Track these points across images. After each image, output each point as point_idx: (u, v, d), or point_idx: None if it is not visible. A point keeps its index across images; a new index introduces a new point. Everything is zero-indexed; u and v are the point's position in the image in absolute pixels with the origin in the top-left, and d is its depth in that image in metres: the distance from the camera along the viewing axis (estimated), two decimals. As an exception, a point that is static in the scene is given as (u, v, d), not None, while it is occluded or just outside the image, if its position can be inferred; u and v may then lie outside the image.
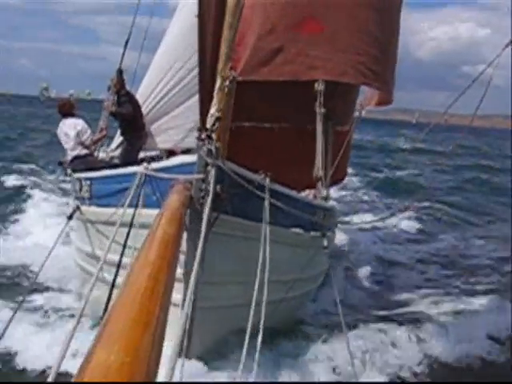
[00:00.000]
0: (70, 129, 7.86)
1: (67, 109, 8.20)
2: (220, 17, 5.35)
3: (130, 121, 8.50)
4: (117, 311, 1.74)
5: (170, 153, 8.73)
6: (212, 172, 4.40)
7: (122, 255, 5.32)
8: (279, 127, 7.82)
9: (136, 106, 8.58)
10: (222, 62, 5.31)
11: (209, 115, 4.78)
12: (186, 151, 9.11)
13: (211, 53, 5.38)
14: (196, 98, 7.58)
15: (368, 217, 14.63)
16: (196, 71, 7.67)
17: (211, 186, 4.38)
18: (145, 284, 1.91)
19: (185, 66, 8.01)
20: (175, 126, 8.74)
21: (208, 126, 4.67)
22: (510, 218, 16.89)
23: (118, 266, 5.32)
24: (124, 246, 5.00)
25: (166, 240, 2.46)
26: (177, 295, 4.23)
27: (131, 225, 4.96)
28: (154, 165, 5.24)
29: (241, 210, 4.89)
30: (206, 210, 4.23)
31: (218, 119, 4.65)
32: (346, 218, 14.29)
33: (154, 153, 9.26)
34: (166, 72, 8.37)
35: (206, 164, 4.43)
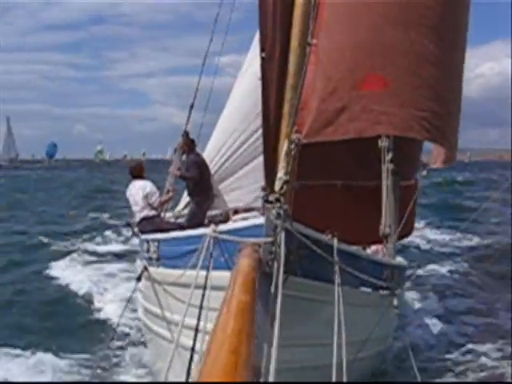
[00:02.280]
0: (139, 191, 7.89)
1: (137, 171, 8.26)
2: (282, 78, 5.30)
3: (197, 183, 8.47)
4: None
5: (234, 212, 8.65)
6: (281, 235, 4.24)
7: (184, 315, 5.22)
8: (342, 184, 7.65)
9: (203, 168, 8.56)
10: (286, 123, 5.24)
11: (277, 178, 4.69)
12: (249, 210, 9.05)
13: (274, 114, 5.31)
14: (260, 158, 7.56)
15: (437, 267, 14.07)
16: (260, 132, 7.69)
17: (281, 248, 4.21)
18: (226, 360, 1.88)
19: (249, 128, 8.01)
20: (240, 187, 8.70)
21: (276, 188, 4.55)
22: None
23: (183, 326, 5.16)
24: (200, 308, 4.82)
25: (242, 309, 2.38)
26: None
27: (205, 287, 4.79)
28: (222, 227, 5.11)
29: (309, 271, 4.69)
30: (276, 272, 4.09)
31: (285, 182, 4.54)
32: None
33: (218, 211, 9.20)
34: (231, 133, 8.39)
35: (275, 226, 4.28)
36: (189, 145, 8.78)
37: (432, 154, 9.18)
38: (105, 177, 69.03)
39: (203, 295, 4.65)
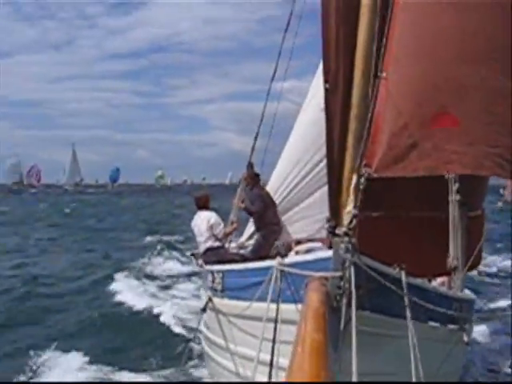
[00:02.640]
0: (204, 222, 7.96)
1: (203, 202, 8.35)
2: (346, 109, 5.28)
3: (261, 216, 8.45)
4: None
5: (297, 242, 8.58)
6: (351, 270, 4.18)
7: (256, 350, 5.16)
8: (407, 215, 7.48)
9: (267, 201, 8.54)
10: (350, 154, 5.20)
11: (345, 212, 4.66)
12: (311, 240, 8.96)
13: (338, 145, 5.28)
14: (324, 189, 7.51)
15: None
16: (323, 163, 7.65)
17: (351, 283, 4.14)
18: None
19: (313, 159, 7.99)
20: (304, 217, 8.64)
21: (345, 222, 4.50)
22: None
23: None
24: (273, 342, 4.76)
25: (317, 349, 2.35)
26: None
27: (276, 321, 4.74)
28: (288, 259, 5.08)
29: (377, 305, 4.57)
30: (345, 307, 4.04)
31: (355, 216, 4.48)
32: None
33: (280, 242, 9.15)
34: (294, 164, 8.39)
35: (344, 261, 4.22)
36: (253, 178, 8.82)
37: (507, 187, 8.91)
38: (168, 201, 72.26)
39: (275, 329, 4.59)
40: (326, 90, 5.30)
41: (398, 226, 7.16)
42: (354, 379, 3.29)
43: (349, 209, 4.61)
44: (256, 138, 9.66)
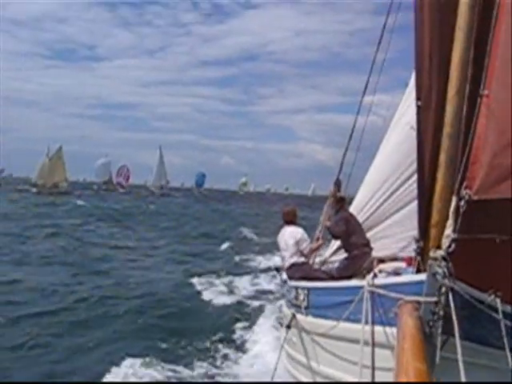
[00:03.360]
0: (291, 237, 7.88)
1: (290, 217, 8.27)
2: (439, 128, 5.06)
3: (345, 238, 8.21)
4: None
5: (379, 261, 8.31)
6: (450, 295, 4.01)
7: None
8: (503, 239, 7.09)
9: (353, 223, 8.26)
10: (442, 172, 4.98)
11: (444, 236, 4.46)
12: (394, 259, 8.66)
13: (430, 164, 5.05)
14: (410, 207, 7.27)
15: None
16: (409, 182, 7.42)
17: (450, 309, 3.96)
18: None
19: (400, 178, 7.76)
20: (387, 236, 8.40)
21: (443, 247, 4.34)
22: None
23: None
24: (373, 366, 4.61)
25: (421, 379, 2.22)
26: None
27: (373, 344, 4.59)
28: (379, 280, 4.92)
29: (470, 333, 4.33)
30: (437, 333, 3.89)
31: (453, 241, 4.31)
32: None
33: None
34: (381, 184, 8.19)
35: (440, 286, 4.04)
36: (339, 201, 8.55)
37: None
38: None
39: (372, 352, 4.46)
40: (419, 108, 5.11)
41: (493, 250, 6.79)
42: None
43: (448, 232, 4.43)
44: (345, 154, 9.50)
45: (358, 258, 8.06)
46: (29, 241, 26.67)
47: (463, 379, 3.61)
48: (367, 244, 8.04)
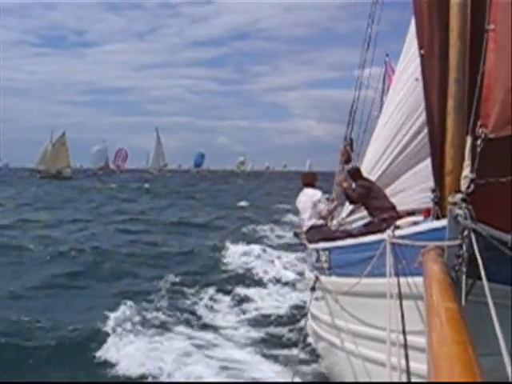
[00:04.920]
0: (309, 199, 7.76)
1: (309, 180, 8.12)
2: (444, 74, 4.86)
3: (365, 204, 7.95)
4: None
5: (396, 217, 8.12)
6: (472, 236, 3.86)
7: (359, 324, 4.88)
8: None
9: (376, 189, 7.95)
10: (452, 119, 4.80)
11: (462, 177, 4.30)
12: (411, 214, 8.49)
13: (438, 111, 4.86)
14: (423, 160, 7.10)
15: None
16: (421, 135, 7.22)
17: (475, 250, 3.81)
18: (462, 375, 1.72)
19: (410, 131, 7.57)
20: (405, 189, 8.22)
21: (462, 188, 4.18)
22: None
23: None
24: (403, 318, 4.49)
25: (455, 318, 2.16)
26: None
27: (400, 296, 4.44)
28: (400, 231, 4.78)
29: (495, 275, 4.20)
30: (464, 277, 3.78)
31: (472, 181, 4.16)
32: None
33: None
34: (391, 139, 7.98)
35: (463, 228, 3.90)
36: (354, 172, 8.27)
37: None
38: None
39: (400, 304, 4.30)
40: (422, 56, 4.91)
41: (508, 189, 6.62)
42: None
43: (465, 173, 4.26)
44: (351, 116, 9.36)
45: (385, 221, 7.79)
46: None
47: (495, 321, 3.50)
48: (393, 208, 7.82)
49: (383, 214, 7.64)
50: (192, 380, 7.13)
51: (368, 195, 7.79)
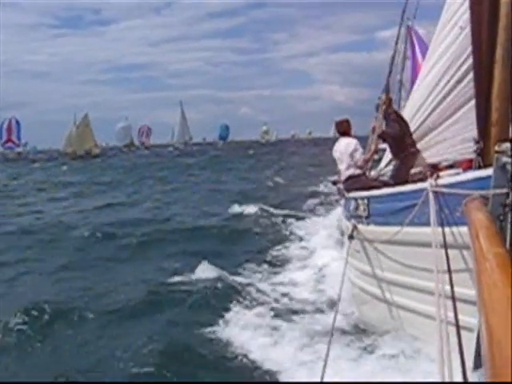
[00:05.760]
0: (345, 148, 7.64)
1: (344, 127, 7.96)
2: (493, 20, 4.66)
3: (399, 140, 7.92)
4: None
5: (434, 168, 8.02)
6: None
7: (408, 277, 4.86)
8: None
9: (404, 124, 8.00)
10: (500, 67, 4.64)
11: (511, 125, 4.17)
12: (450, 167, 8.33)
13: (486, 59, 4.70)
14: (464, 109, 6.89)
15: None
16: (462, 84, 6.99)
17: None
18: None
19: (452, 80, 7.32)
20: (444, 140, 8.04)
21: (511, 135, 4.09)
22: None
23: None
24: (449, 271, 4.43)
25: (505, 263, 2.07)
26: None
27: (445, 246, 4.31)
28: (443, 180, 4.70)
29: None
30: (510, 227, 3.69)
31: None
32: None
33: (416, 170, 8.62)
34: (432, 88, 7.74)
35: (510, 177, 3.81)
36: (388, 102, 8.28)
37: None
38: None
39: (446, 253, 4.15)
40: (471, 1, 4.71)
41: None
42: None
43: None
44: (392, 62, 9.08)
45: (408, 160, 7.81)
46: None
47: None
48: (414, 145, 7.82)
49: (406, 151, 7.66)
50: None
51: (402, 130, 7.77)
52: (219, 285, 9.34)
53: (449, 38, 7.41)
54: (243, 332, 7.13)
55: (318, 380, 4.14)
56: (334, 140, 8.70)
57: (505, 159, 3.83)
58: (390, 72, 9.14)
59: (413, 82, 18.71)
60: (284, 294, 9.09)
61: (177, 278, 10.22)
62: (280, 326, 7.28)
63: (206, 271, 10.22)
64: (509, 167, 3.79)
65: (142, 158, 75.13)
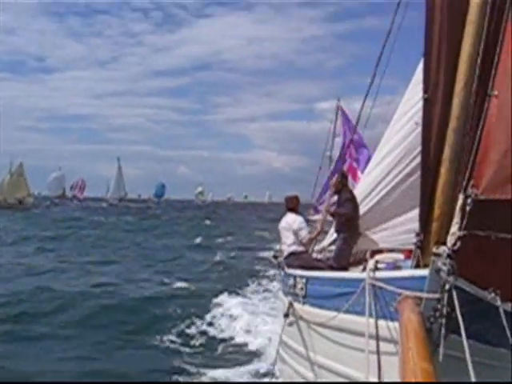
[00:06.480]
0: (291, 225, 7.63)
1: (293, 204, 8.00)
2: (444, 122, 4.79)
3: (348, 219, 7.98)
4: None
5: (376, 251, 8.06)
6: (453, 293, 3.76)
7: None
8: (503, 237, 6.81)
9: (355, 205, 8.07)
10: (446, 167, 4.72)
11: (450, 233, 4.22)
12: (391, 251, 8.39)
13: (434, 158, 4.79)
14: (412, 203, 6.98)
15: None
16: (413, 178, 7.13)
17: (455, 307, 3.71)
18: None
19: (403, 172, 7.48)
20: (387, 228, 8.12)
21: (449, 244, 4.11)
22: None
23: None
24: (378, 356, 4.36)
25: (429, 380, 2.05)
26: None
27: (377, 337, 4.36)
28: (380, 273, 4.66)
29: (469, 330, 4.07)
30: (438, 330, 3.69)
31: (459, 238, 4.11)
32: None
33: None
34: (385, 175, 7.88)
35: (444, 282, 3.79)
36: (343, 183, 8.39)
37: None
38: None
39: (377, 345, 4.23)
40: (425, 100, 4.84)
41: (492, 247, 6.53)
42: None
43: (453, 230, 4.21)
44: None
45: (350, 240, 7.89)
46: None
47: (472, 378, 3.37)
48: (358, 227, 7.97)
49: (354, 231, 7.72)
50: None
51: (354, 210, 7.85)
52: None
53: (404, 131, 7.63)
54: None
55: None
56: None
57: (440, 264, 3.83)
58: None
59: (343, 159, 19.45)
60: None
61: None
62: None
63: None
64: (443, 274, 3.78)
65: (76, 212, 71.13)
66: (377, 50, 7.35)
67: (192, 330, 11.12)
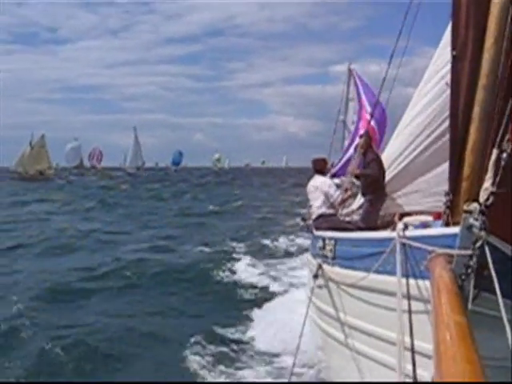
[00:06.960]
0: (320, 186, 7.59)
1: (320, 166, 7.95)
2: (474, 79, 4.66)
3: (375, 180, 7.91)
4: None
5: (403, 215, 8.00)
6: (485, 249, 3.69)
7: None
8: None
9: (381, 166, 7.99)
10: (475, 126, 4.60)
11: (482, 189, 4.13)
12: (421, 213, 8.32)
13: (463, 116, 4.67)
14: (443, 165, 6.87)
15: None
16: (443, 140, 6.99)
17: (488, 263, 3.62)
18: None
19: (433, 134, 7.33)
20: (416, 191, 8.03)
21: (481, 200, 4.02)
22: None
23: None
24: (410, 320, 4.31)
25: (464, 334, 2.07)
26: None
27: (409, 297, 4.32)
28: (411, 232, 4.63)
29: (503, 288, 4.04)
30: (470, 287, 3.68)
31: (492, 194, 3.99)
32: None
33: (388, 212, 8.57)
34: (414, 137, 7.74)
35: (476, 239, 3.73)
36: (368, 143, 8.31)
37: None
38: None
39: (409, 304, 4.19)
40: (454, 58, 4.71)
41: None
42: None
43: (486, 185, 4.09)
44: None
45: (377, 202, 7.84)
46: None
47: (509, 334, 3.35)
48: (384, 188, 7.92)
49: (376, 193, 7.76)
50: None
51: (380, 172, 7.80)
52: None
53: (434, 92, 7.46)
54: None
55: None
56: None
57: (472, 221, 3.78)
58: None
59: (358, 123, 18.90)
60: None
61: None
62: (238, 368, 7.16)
63: None
64: (475, 229, 3.74)
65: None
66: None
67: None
